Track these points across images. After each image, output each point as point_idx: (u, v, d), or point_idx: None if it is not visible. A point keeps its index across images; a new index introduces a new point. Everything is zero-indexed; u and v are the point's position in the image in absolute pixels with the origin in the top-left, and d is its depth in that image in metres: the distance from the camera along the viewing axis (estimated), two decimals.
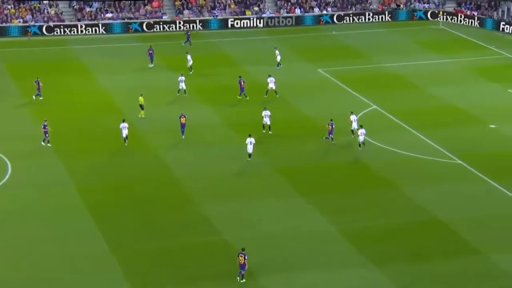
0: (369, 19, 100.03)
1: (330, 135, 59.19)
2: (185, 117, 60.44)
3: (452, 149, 59.67)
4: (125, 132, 58.64)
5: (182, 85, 69.90)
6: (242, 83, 69.37)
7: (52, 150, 57.98)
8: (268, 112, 61.31)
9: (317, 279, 41.99)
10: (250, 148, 56.11)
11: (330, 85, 75.63)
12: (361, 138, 57.79)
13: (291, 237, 46.52)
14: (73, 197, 50.81)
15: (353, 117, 61.08)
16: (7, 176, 53.89)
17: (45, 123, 58.33)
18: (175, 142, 60.20)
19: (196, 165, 56.32)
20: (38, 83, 68.78)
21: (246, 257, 41.03)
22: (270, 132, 61.24)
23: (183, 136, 60.34)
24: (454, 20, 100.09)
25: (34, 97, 68.53)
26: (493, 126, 64.62)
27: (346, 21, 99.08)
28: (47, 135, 58.16)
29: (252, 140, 56.27)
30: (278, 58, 79.36)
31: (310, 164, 56.84)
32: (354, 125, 60.45)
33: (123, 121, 59.30)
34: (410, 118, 65.83)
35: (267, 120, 61.16)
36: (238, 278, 41.28)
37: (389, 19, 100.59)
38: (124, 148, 58.75)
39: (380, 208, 50.36)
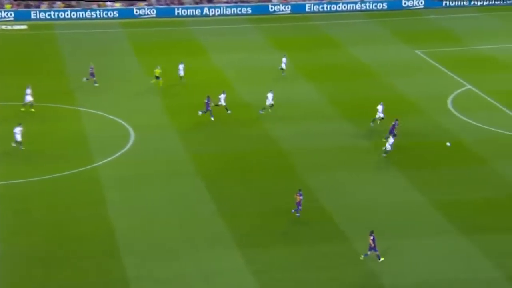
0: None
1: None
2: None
3: None
4: (18, 137, 56.19)
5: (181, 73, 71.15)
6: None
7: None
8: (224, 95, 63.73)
9: (405, 245, 45.05)
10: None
11: (426, 65, 78.09)
12: (388, 147, 56.41)
13: (385, 207, 49.67)
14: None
15: (379, 107, 61.89)
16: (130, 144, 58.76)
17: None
18: (280, 117, 63.71)
19: (299, 139, 59.68)
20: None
21: (302, 197, 47.31)
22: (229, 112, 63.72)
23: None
24: None
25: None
26: None
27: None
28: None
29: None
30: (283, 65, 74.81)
31: (410, 141, 59.11)
32: (380, 115, 61.56)
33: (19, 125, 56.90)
34: (504, 98, 67.73)
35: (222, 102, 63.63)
36: (294, 211, 47.57)
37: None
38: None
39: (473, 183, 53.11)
